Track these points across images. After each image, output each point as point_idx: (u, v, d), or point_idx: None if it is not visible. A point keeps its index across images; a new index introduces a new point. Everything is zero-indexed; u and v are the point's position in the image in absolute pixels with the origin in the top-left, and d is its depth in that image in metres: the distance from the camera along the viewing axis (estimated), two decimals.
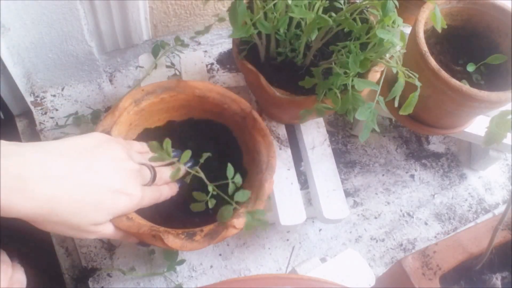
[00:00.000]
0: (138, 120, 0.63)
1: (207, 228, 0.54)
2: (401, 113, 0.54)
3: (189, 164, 0.59)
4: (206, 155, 0.56)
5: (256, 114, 0.63)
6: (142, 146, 0.59)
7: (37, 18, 0.69)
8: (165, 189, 0.56)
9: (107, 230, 0.50)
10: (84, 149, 0.48)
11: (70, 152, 0.47)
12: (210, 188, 0.53)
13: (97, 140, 0.51)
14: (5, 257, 0.46)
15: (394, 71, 0.53)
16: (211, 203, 0.54)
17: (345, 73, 0.54)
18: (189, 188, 0.59)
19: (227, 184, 0.53)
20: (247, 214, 0.53)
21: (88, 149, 0.48)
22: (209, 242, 0.53)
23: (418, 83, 0.52)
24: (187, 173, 0.59)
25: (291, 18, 0.59)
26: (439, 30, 0.56)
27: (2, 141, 0.41)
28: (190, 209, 0.60)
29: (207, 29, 0.63)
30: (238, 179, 0.54)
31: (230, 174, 0.53)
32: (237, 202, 0.53)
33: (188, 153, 0.51)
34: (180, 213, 0.59)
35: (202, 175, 0.53)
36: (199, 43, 0.94)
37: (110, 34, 0.81)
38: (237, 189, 0.53)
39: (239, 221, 0.54)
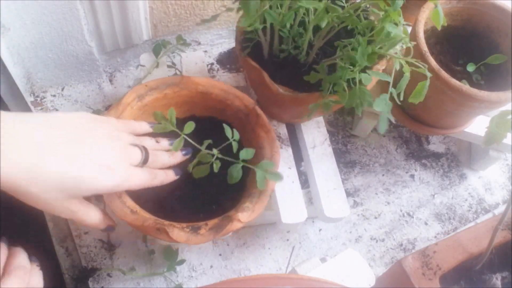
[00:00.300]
0: (141, 116, 0.63)
1: (211, 222, 0.54)
2: (410, 100, 0.53)
3: (184, 152, 0.59)
4: (207, 142, 0.56)
5: (259, 110, 0.64)
6: (141, 126, 0.58)
7: (37, 18, 0.69)
8: (160, 174, 0.55)
9: (90, 215, 0.50)
10: (74, 124, 0.48)
11: (61, 126, 0.46)
12: (214, 152, 0.53)
13: (87, 117, 0.51)
14: (24, 260, 0.45)
15: (397, 66, 0.53)
16: (216, 166, 0.54)
17: (350, 68, 0.54)
18: (192, 183, 0.59)
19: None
20: (257, 169, 0.53)
21: (79, 125, 0.48)
22: (214, 236, 0.53)
23: (428, 74, 0.52)
24: (187, 162, 0.59)
25: (295, 15, 0.60)
26: (439, 28, 0.56)
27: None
28: (193, 205, 0.60)
29: (214, 18, 0.63)
30: (237, 136, 0.54)
31: (228, 133, 0.53)
32: (243, 161, 0.53)
33: (191, 124, 0.52)
34: (184, 209, 0.59)
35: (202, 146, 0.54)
36: (199, 43, 0.94)
37: (110, 34, 0.81)
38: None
39: (244, 215, 0.54)
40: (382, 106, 0.51)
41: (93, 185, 0.47)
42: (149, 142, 0.57)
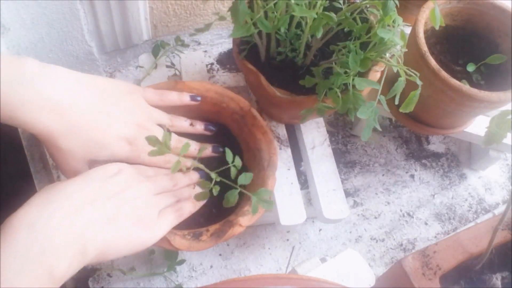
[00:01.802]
0: None
1: (212, 228, 0.54)
2: (401, 110, 0.54)
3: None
4: (203, 148, 0.56)
5: (255, 112, 0.63)
6: (181, 99, 0.61)
7: (37, 18, 0.69)
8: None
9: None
10: (109, 92, 0.53)
11: (99, 94, 0.52)
12: (213, 175, 0.53)
13: (125, 89, 0.55)
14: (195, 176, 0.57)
15: (395, 70, 0.53)
16: (216, 190, 0.54)
17: (346, 72, 0.54)
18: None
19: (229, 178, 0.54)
20: (253, 196, 0.53)
21: (115, 94, 0.54)
22: (216, 241, 0.53)
23: (419, 82, 0.52)
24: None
25: (291, 18, 0.60)
26: (437, 28, 0.56)
27: (36, 61, 0.48)
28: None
29: (207, 27, 0.63)
30: (238, 162, 0.54)
31: (229, 158, 0.54)
32: (241, 186, 0.53)
33: (187, 145, 0.53)
34: None
35: (202, 166, 0.55)
36: (199, 43, 0.94)
37: (110, 34, 0.81)
38: (240, 172, 0.54)
39: (245, 219, 0.54)
40: (367, 114, 0.51)
41: (110, 152, 0.51)
42: (182, 123, 0.60)
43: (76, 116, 0.48)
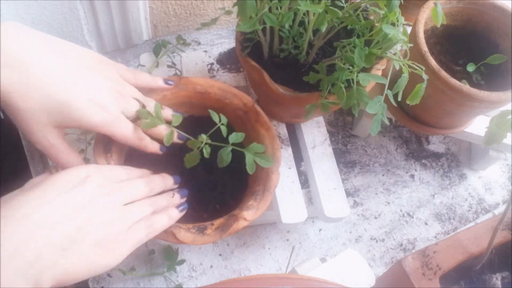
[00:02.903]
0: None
1: (217, 222, 0.54)
2: (408, 101, 0.54)
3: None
4: (203, 136, 0.55)
5: (258, 108, 0.64)
6: (155, 81, 0.58)
7: (37, 18, 0.69)
8: (148, 140, 0.54)
9: (64, 154, 0.49)
10: (80, 56, 0.50)
11: (67, 54, 0.48)
12: (204, 137, 0.53)
13: (97, 57, 0.53)
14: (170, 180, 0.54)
15: (397, 67, 0.53)
16: (206, 151, 0.54)
17: (349, 69, 0.54)
18: (194, 184, 0.60)
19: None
20: (247, 153, 0.53)
21: (86, 59, 0.50)
22: (220, 236, 0.53)
23: (425, 76, 0.53)
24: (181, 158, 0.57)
25: (294, 15, 0.60)
26: (439, 25, 0.56)
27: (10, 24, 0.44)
28: (197, 206, 0.60)
29: (213, 21, 0.63)
30: (224, 119, 0.54)
31: (215, 118, 0.54)
32: (233, 144, 0.53)
33: (179, 117, 0.53)
34: (187, 210, 0.59)
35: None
36: (199, 43, 0.94)
37: (110, 34, 0.81)
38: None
39: (249, 213, 0.54)
40: (376, 108, 0.51)
41: (77, 115, 0.47)
42: (152, 104, 0.55)
43: (37, 73, 0.44)
